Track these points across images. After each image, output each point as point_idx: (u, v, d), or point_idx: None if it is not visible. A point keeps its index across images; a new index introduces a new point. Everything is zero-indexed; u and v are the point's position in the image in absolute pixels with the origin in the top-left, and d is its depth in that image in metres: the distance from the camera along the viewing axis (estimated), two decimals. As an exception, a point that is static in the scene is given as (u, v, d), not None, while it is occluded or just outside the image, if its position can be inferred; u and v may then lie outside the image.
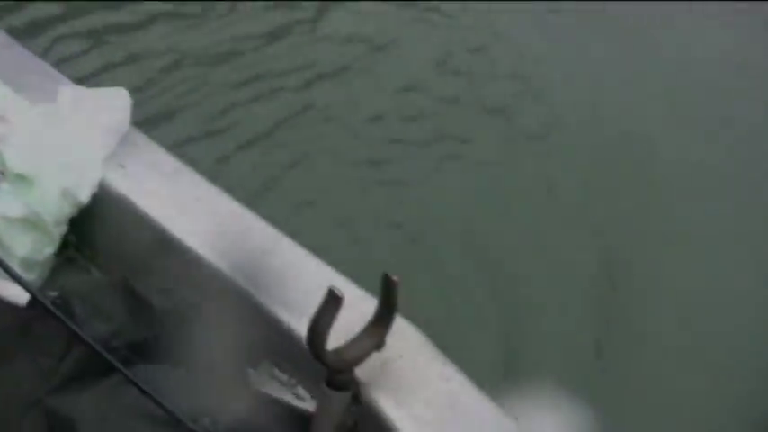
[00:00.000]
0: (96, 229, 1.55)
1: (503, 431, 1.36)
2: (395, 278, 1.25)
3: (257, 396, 1.39)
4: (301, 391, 1.43)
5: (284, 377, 1.43)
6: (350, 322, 1.24)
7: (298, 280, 1.43)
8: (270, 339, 1.40)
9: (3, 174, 1.47)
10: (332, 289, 1.18)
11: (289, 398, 1.41)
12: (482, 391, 1.40)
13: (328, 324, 1.20)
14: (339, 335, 1.23)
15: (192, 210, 1.54)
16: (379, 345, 1.31)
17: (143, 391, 1.20)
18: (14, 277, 1.22)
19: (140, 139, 1.63)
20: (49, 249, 1.50)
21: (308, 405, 1.41)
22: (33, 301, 1.32)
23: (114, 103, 1.60)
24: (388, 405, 1.33)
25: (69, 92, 1.57)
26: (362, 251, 2.78)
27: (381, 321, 1.30)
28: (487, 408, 1.38)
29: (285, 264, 1.45)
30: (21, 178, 1.47)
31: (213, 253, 1.45)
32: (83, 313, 1.33)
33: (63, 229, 1.51)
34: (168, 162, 1.61)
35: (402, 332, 1.40)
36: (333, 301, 1.18)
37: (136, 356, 1.32)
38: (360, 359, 1.29)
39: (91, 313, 1.33)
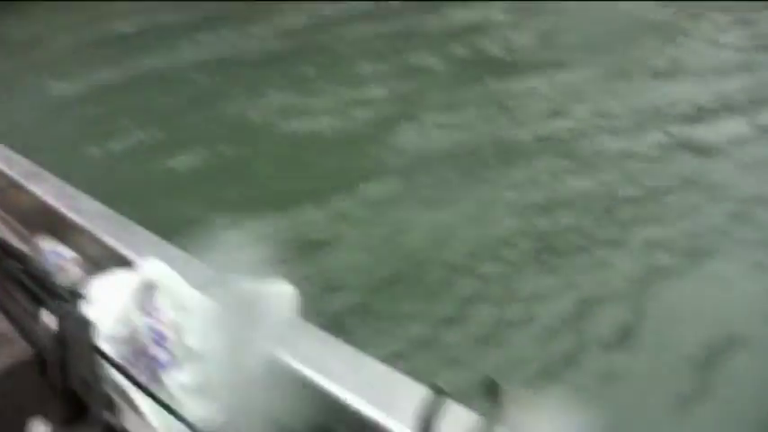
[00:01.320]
0: (262, 397, 1.73)
1: None
2: (499, 383, 1.25)
3: None
4: None
5: None
6: None
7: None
8: None
9: (180, 353, 1.74)
10: (435, 383, 1.22)
11: None
12: None
13: (435, 424, 1.21)
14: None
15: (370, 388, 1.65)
16: None
17: None
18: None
19: (304, 325, 1.86)
20: (218, 415, 1.69)
21: None
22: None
23: (281, 292, 1.87)
24: None
25: (239, 281, 1.86)
26: None
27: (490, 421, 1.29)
28: None
29: None
30: (195, 354, 1.72)
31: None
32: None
33: (231, 398, 1.71)
34: (331, 341, 1.81)
35: None
36: (438, 397, 1.23)
37: None
38: None
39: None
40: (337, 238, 5.28)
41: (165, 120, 7.95)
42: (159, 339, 1.76)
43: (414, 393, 1.45)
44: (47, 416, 1.53)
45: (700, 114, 6.43)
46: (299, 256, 4.75)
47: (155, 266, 1.89)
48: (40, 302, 2.05)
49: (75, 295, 1.95)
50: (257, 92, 8.28)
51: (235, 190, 6.13)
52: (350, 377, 1.63)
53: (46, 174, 2.93)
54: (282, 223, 5.43)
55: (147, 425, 1.64)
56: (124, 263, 2.12)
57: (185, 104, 8.33)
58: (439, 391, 1.24)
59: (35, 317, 1.99)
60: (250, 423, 1.69)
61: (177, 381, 1.69)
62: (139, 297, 1.86)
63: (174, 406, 1.63)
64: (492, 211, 5.33)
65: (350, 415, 1.54)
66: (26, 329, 2.04)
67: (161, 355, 1.73)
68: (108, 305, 1.91)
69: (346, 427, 1.56)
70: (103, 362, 1.76)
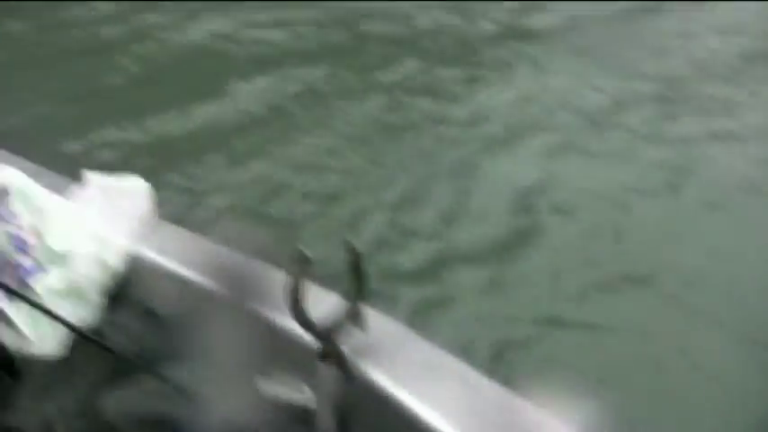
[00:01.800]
0: (130, 292, 1.81)
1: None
2: (357, 247, 1.40)
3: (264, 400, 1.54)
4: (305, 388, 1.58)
5: (287, 378, 1.59)
6: None
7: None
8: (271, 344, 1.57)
9: (43, 257, 1.77)
10: (301, 250, 1.34)
11: (293, 396, 1.55)
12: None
13: (304, 285, 1.36)
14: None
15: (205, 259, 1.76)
16: (356, 315, 1.45)
17: None
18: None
19: (156, 221, 1.92)
20: (89, 314, 1.76)
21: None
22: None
23: (135, 187, 1.92)
24: (380, 377, 1.47)
25: (94, 179, 1.91)
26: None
27: (355, 292, 1.45)
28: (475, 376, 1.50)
29: None
30: (60, 256, 1.76)
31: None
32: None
33: (101, 296, 1.78)
34: (183, 233, 1.90)
35: (383, 323, 1.56)
36: (304, 263, 1.36)
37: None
38: (340, 327, 1.43)
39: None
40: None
41: None
42: (21, 246, 1.78)
43: None
44: None
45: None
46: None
47: (3, 172, 1.87)
48: None
49: None
50: None
51: None
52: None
53: None
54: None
55: (22, 336, 1.69)
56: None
57: None
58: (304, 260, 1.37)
59: None
60: (125, 319, 1.79)
61: (45, 285, 1.73)
62: (-8, 204, 1.85)
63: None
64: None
65: None
66: None
67: (25, 261, 1.76)
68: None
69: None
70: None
